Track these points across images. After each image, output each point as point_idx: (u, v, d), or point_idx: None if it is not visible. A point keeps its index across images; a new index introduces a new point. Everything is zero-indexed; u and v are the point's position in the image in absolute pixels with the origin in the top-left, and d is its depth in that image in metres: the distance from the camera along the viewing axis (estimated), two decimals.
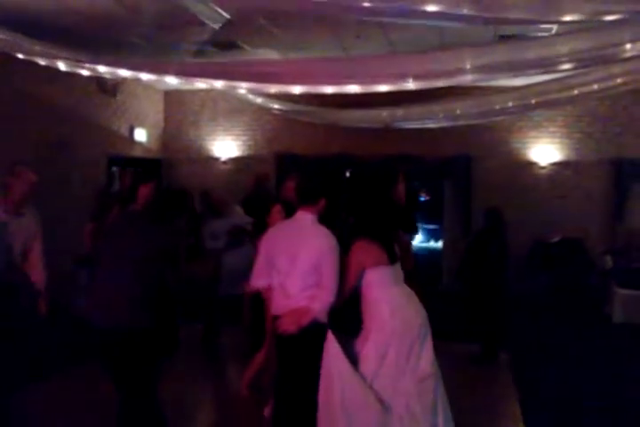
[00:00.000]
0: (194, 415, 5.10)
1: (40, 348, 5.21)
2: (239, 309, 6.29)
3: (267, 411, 4.48)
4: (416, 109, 6.73)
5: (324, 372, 3.73)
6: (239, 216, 6.67)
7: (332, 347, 3.74)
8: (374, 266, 3.81)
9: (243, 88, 5.34)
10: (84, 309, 3.71)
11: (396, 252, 3.95)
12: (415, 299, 3.97)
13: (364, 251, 3.81)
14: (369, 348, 3.83)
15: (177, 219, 4.34)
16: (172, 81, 5.15)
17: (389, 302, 3.82)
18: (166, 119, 11.41)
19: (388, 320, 3.78)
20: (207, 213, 6.76)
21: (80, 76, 7.18)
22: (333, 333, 3.79)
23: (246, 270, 6.15)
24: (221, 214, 6.60)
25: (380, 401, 3.70)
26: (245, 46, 7.46)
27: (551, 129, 9.92)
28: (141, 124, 10.57)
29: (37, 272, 4.66)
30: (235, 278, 6.21)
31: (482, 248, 6.50)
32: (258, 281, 4.01)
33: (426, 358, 3.81)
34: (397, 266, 3.93)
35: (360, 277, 3.83)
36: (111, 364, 3.75)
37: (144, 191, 4.34)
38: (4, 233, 4.38)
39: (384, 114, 6.98)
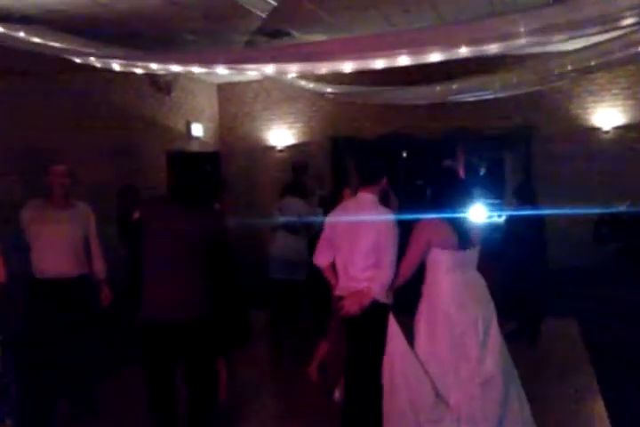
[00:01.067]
0: (264, 400, 5.16)
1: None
2: (290, 294, 6.37)
3: (337, 393, 4.54)
4: (471, 81, 6.60)
5: (387, 354, 3.72)
6: (314, 205, 6.61)
7: (394, 329, 3.72)
8: (440, 247, 3.71)
9: (293, 71, 5.31)
10: (143, 309, 3.60)
11: (472, 238, 3.78)
12: (482, 292, 3.81)
13: (432, 229, 3.73)
14: (419, 329, 3.77)
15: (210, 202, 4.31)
16: (222, 71, 5.16)
17: (448, 289, 3.71)
18: (221, 112, 11.57)
19: (441, 305, 3.69)
20: (290, 188, 6.62)
21: (134, 76, 7.37)
22: (398, 313, 3.79)
23: (295, 258, 6.27)
24: (304, 196, 6.47)
25: (436, 392, 3.62)
26: (295, 33, 7.47)
27: (614, 91, 9.54)
28: (197, 119, 10.75)
29: (98, 263, 4.84)
30: (283, 263, 6.27)
31: (516, 226, 6.36)
32: (318, 258, 4.06)
33: (491, 358, 3.65)
34: (470, 252, 3.77)
35: (425, 255, 3.76)
36: (175, 361, 3.66)
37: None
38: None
39: (438, 89, 6.86)
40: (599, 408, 4.61)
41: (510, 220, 6.52)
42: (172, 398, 3.68)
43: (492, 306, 3.79)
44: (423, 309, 3.79)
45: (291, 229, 6.34)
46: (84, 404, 4.72)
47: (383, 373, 3.73)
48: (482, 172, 9.22)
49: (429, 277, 3.79)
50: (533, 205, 6.50)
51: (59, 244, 4.56)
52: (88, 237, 4.78)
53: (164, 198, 3.91)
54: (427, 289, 3.80)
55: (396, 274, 3.73)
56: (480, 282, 3.83)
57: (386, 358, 3.72)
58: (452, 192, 3.84)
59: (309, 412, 4.73)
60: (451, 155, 9.47)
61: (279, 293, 6.42)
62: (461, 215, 3.77)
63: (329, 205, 5.08)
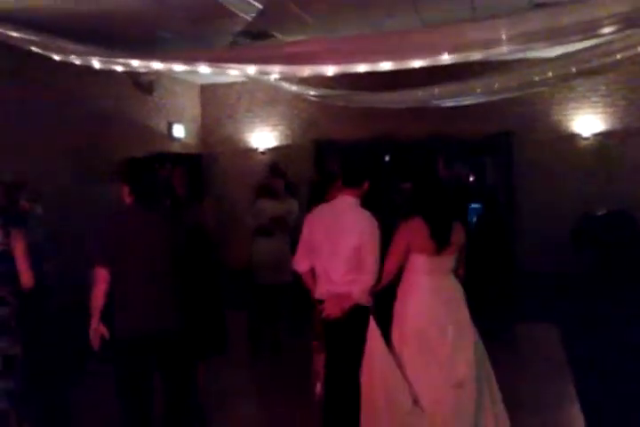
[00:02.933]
0: (243, 401, 5.18)
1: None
2: (273, 298, 6.28)
3: (318, 387, 4.51)
4: (453, 86, 6.62)
5: (366, 357, 3.73)
6: (290, 206, 6.45)
7: (373, 332, 3.73)
8: (417, 251, 3.75)
9: (275, 72, 5.29)
10: (116, 322, 3.49)
11: (452, 242, 3.80)
12: (456, 297, 3.83)
13: (410, 232, 3.76)
14: (394, 334, 3.81)
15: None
16: (204, 70, 5.12)
17: (419, 293, 3.76)
18: (203, 114, 11.53)
19: (411, 310, 3.75)
20: (262, 190, 6.51)
21: (116, 75, 7.31)
22: (378, 315, 3.79)
23: (277, 261, 6.19)
24: (275, 196, 6.35)
25: (412, 396, 3.64)
26: (279, 35, 7.46)
27: (593, 99, 9.66)
28: (179, 120, 10.70)
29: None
30: (266, 268, 6.17)
31: (482, 228, 6.41)
32: (298, 264, 4.02)
33: (464, 363, 3.67)
34: (447, 258, 3.80)
35: (405, 257, 3.79)
36: (150, 368, 3.58)
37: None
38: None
39: (420, 93, 6.88)
40: (576, 414, 4.63)
41: (478, 223, 6.56)
42: (147, 415, 3.57)
43: (466, 311, 3.81)
44: (396, 311, 3.84)
45: (263, 232, 6.25)
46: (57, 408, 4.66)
47: (362, 373, 3.74)
48: (470, 177, 9.27)
49: (404, 279, 3.84)
50: (495, 207, 6.55)
51: None
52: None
53: (127, 208, 3.62)
54: (400, 292, 3.85)
55: (378, 277, 3.73)
56: (456, 287, 3.87)
57: (365, 360, 3.73)
58: (437, 197, 3.88)
59: (288, 417, 4.71)
60: (433, 159, 9.54)
61: (265, 298, 6.32)
62: (442, 220, 3.81)
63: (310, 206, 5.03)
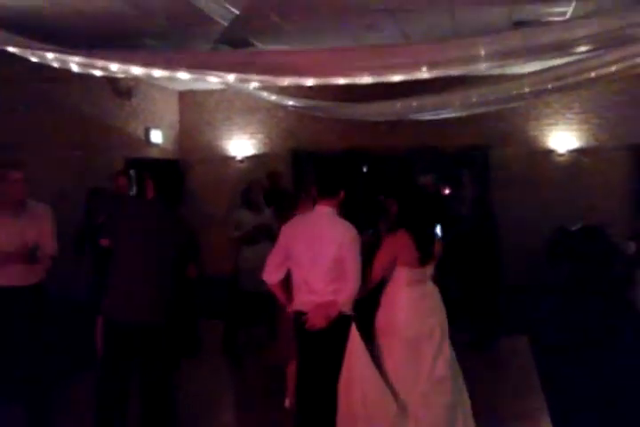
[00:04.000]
0: (215, 408, 5.15)
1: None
2: (259, 305, 6.29)
3: (287, 402, 4.50)
4: (431, 99, 6.66)
5: (346, 365, 3.74)
6: (270, 216, 6.55)
7: (355, 341, 3.75)
8: (401, 264, 3.83)
9: (255, 80, 5.28)
10: (103, 305, 3.75)
11: (434, 252, 3.95)
12: (437, 302, 3.97)
13: (399, 245, 3.83)
14: (379, 342, 3.88)
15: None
16: (184, 76, 5.11)
17: (405, 302, 3.84)
18: (182, 120, 11.46)
19: (402, 326, 3.82)
20: (244, 202, 6.54)
21: (94, 79, 7.24)
22: (359, 325, 3.82)
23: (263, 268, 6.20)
24: (257, 209, 6.43)
25: (397, 400, 3.72)
26: (257, 43, 7.46)
27: (568, 116, 9.81)
28: (157, 126, 10.62)
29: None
30: (253, 275, 6.20)
31: (471, 240, 6.55)
32: (271, 276, 3.99)
33: (442, 360, 3.82)
34: (427, 268, 3.93)
35: (390, 268, 3.86)
36: (130, 360, 3.78)
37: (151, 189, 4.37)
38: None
39: (398, 105, 6.91)
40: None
41: (465, 234, 6.63)
42: (123, 401, 3.78)
43: (444, 315, 3.96)
44: (381, 321, 3.90)
45: (249, 241, 6.26)
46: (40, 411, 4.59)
47: (340, 386, 3.75)
48: (446, 190, 9.35)
49: (389, 291, 3.92)
50: (489, 220, 6.63)
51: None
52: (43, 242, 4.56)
53: (147, 200, 3.99)
54: (386, 303, 3.91)
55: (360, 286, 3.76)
56: (436, 293, 4.00)
57: (344, 373, 3.74)
58: (423, 210, 3.99)
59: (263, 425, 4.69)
60: (410, 171, 9.63)
61: (246, 304, 6.32)
62: (428, 233, 3.96)
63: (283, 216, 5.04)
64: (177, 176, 4.29)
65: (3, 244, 4.35)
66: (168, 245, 3.82)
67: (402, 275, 3.84)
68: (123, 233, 3.81)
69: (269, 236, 6.18)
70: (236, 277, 6.37)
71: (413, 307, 3.84)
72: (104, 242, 5.00)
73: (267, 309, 6.33)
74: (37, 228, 4.54)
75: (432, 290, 3.98)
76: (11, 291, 4.39)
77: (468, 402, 3.95)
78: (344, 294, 3.72)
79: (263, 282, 6.02)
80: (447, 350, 3.88)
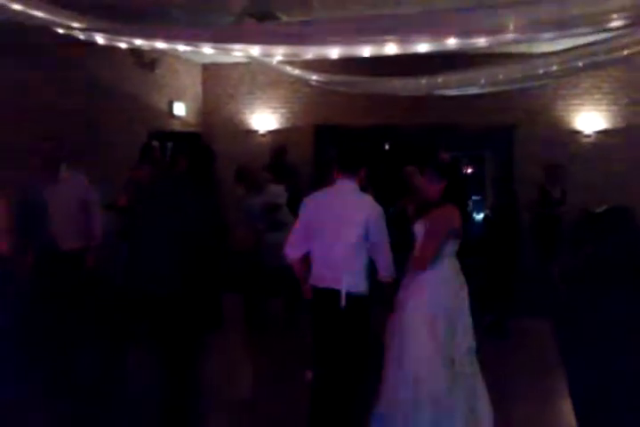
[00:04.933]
0: (237, 383, 5.22)
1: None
2: (283, 279, 6.32)
3: (308, 374, 4.53)
4: (456, 76, 6.56)
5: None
6: (273, 192, 6.54)
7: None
8: (452, 237, 3.82)
9: (279, 54, 5.22)
10: (125, 277, 3.77)
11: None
12: (460, 273, 3.96)
13: (455, 216, 3.82)
14: (412, 316, 3.78)
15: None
16: (208, 50, 5.07)
17: (447, 278, 3.83)
18: (205, 93, 11.41)
19: (443, 296, 3.78)
20: (247, 189, 6.60)
21: (118, 51, 7.22)
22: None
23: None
24: (259, 191, 6.47)
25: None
26: (283, 17, 7.37)
27: (596, 96, 9.60)
28: (180, 99, 10.60)
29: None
30: (277, 251, 6.20)
31: (498, 224, 6.52)
32: (294, 251, 3.97)
33: (464, 333, 3.81)
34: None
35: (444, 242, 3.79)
36: (153, 334, 3.83)
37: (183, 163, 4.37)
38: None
39: (423, 81, 6.81)
40: (567, 408, 4.61)
41: (488, 218, 6.59)
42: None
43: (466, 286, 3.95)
44: (416, 294, 3.80)
45: (274, 227, 6.28)
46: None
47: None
48: (469, 169, 9.28)
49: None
50: (513, 206, 6.58)
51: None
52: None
53: (178, 174, 4.05)
54: (430, 274, 3.79)
55: (416, 261, 3.79)
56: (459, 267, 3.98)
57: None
58: (464, 185, 4.10)
59: (283, 397, 4.73)
60: (432, 150, 9.51)
61: (271, 278, 6.37)
62: (467, 207, 4.06)
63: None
64: (209, 152, 4.27)
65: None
66: (191, 220, 3.77)
67: (448, 246, 3.82)
68: (146, 205, 3.87)
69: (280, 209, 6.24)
70: (259, 252, 6.39)
71: (453, 279, 3.85)
72: (122, 202, 5.08)
73: (287, 282, 6.42)
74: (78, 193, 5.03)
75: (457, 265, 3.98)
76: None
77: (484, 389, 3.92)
78: (382, 263, 3.81)
79: (284, 257, 6.16)
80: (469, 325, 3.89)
